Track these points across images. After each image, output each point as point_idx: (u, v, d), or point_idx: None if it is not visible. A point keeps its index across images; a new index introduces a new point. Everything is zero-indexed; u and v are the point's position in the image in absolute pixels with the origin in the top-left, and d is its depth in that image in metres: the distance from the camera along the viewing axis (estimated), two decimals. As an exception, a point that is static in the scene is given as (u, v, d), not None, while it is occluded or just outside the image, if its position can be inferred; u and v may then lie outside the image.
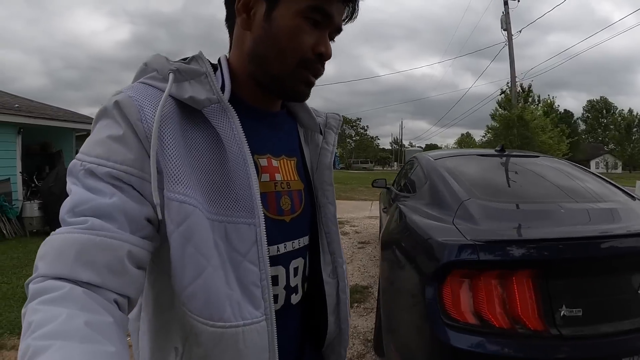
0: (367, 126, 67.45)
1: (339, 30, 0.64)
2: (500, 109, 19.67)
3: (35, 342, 0.37)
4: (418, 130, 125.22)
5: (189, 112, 0.56)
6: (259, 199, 0.57)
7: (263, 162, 0.64)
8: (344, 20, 0.64)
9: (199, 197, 0.53)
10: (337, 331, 0.77)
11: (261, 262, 0.56)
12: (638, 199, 1.99)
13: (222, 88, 0.61)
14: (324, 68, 0.64)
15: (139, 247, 0.49)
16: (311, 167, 0.75)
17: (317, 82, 0.64)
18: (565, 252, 1.18)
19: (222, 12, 0.67)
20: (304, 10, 0.58)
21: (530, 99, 22.86)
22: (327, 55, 0.61)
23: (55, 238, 0.46)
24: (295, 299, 0.68)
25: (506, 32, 15.83)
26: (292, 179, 0.69)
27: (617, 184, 2.24)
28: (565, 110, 48.20)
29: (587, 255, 1.19)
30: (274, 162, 0.66)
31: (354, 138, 65.37)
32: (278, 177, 0.66)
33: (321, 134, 0.76)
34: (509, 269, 1.16)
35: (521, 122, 15.82)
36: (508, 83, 17.53)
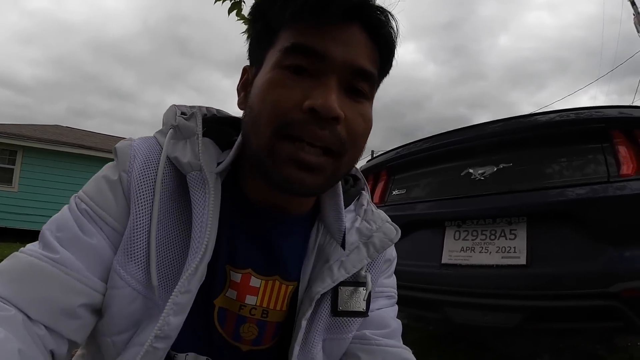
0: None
1: (362, 73, 0.45)
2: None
3: None
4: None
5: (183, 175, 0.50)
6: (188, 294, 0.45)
7: (236, 277, 0.51)
8: (369, 58, 0.45)
9: (141, 274, 0.46)
10: None
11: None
12: None
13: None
14: (329, 130, 0.43)
15: (100, 293, 0.46)
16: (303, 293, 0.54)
17: None
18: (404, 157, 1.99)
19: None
20: (280, 58, 0.44)
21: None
22: (323, 109, 0.41)
23: (22, 258, 0.44)
24: None
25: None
26: (277, 308, 0.53)
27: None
28: None
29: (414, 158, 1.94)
30: (254, 282, 0.52)
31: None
32: (251, 300, 0.52)
33: (342, 246, 0.53)
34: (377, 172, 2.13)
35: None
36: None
